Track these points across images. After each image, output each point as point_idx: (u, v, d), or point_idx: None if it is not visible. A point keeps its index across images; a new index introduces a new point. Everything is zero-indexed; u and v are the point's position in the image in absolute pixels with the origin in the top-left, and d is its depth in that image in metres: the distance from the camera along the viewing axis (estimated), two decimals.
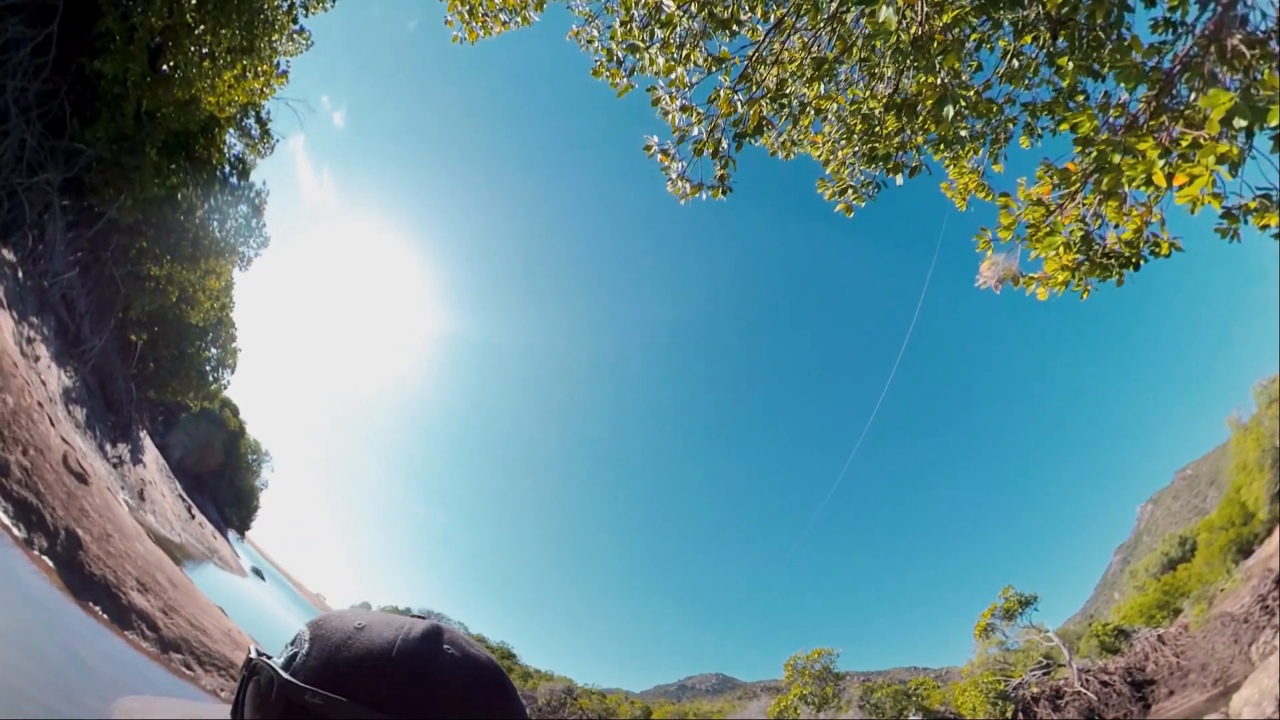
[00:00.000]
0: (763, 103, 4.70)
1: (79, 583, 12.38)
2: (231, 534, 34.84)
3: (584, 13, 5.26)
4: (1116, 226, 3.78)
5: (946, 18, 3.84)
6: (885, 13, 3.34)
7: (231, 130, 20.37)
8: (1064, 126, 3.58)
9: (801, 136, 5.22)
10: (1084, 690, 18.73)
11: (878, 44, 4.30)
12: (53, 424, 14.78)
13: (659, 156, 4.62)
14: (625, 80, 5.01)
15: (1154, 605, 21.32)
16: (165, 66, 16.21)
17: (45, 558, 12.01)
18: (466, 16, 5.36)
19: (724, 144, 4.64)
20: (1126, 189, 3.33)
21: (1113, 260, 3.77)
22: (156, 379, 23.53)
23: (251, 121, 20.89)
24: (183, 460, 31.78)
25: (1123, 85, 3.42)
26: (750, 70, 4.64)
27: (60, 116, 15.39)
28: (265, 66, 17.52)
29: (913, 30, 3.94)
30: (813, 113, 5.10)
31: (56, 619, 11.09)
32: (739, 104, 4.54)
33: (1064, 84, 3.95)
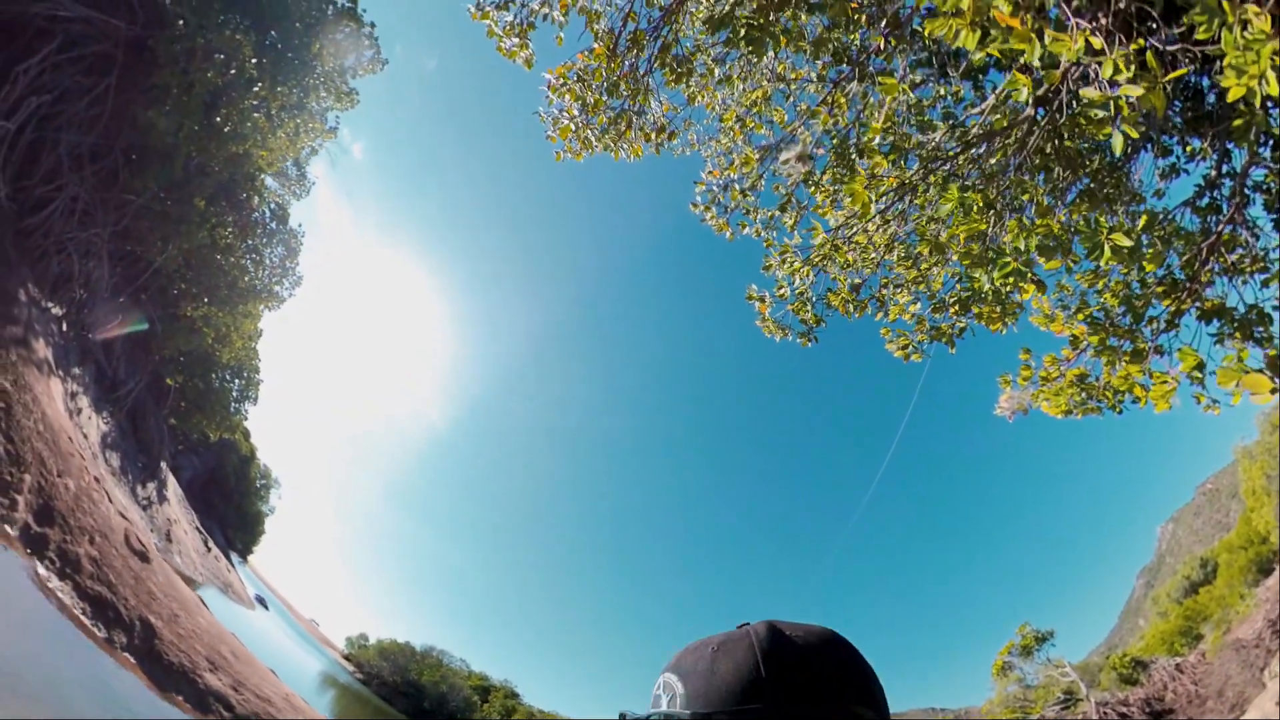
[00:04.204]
0: (862, 292, 4.98)
1: (160, 673, 11.87)
2: (234, 556, 33.58)
3: (712, 173, 5.30)
4: (1108, 383, 4.24)
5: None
6: (983, 279, 3.90)
7: (270, 175, 19.42)
8: (1068, 329, 4.11)
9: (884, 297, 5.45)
10: None
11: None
12: (110, 499, 13.97)
13: (757, 305, 4.93)
14: (730, 232, 5.23)
15: (1176, 632, 20.88)
16: (218, 118, 15.25)
17: (127, 654, 11.43)
18: (574, 139, 5.27)
19: (813, 299, 4.95)
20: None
21: (1102, 403, 4.31)
22: (183, 412, 22.44)
23: (290, 164, 19.95)
24: (192, 481, 30.48)
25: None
26: (845, 242, 4.87)
27: (113, 168, 14.34)
28: (315, 124, 16.71)
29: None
30: (893, 288, 5.32)
31: None
32: (849, 301, 4.85)
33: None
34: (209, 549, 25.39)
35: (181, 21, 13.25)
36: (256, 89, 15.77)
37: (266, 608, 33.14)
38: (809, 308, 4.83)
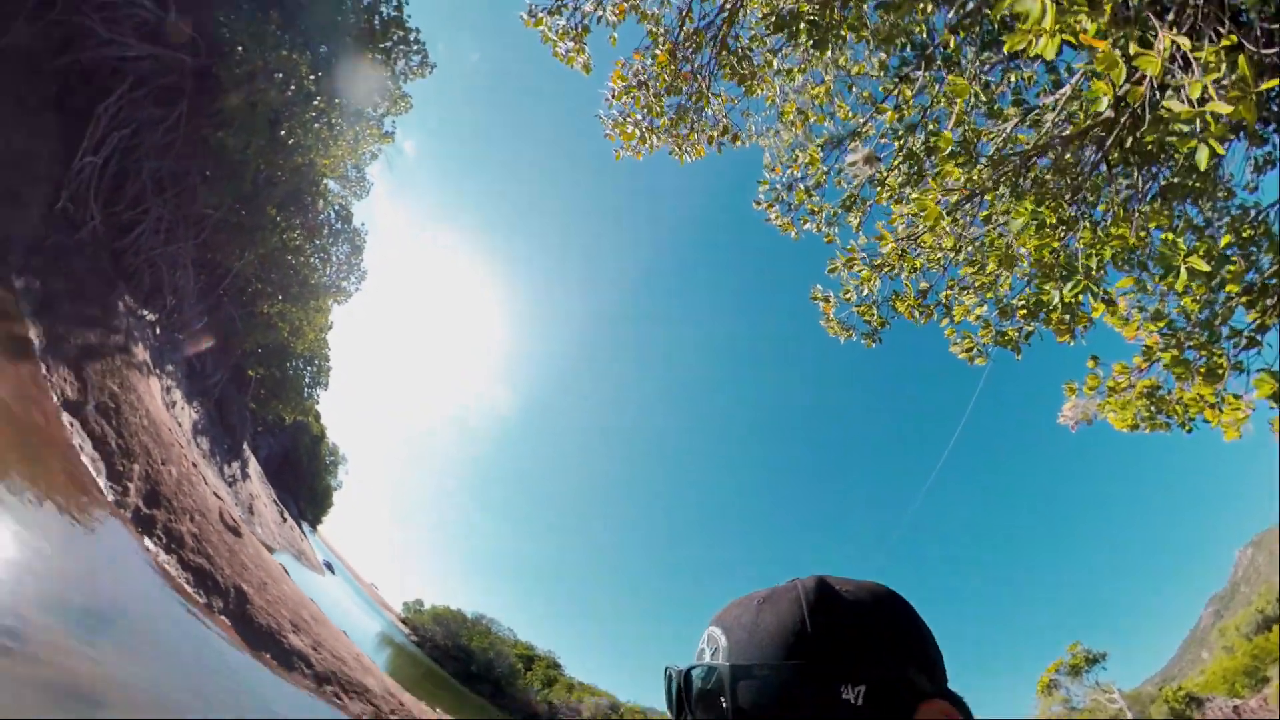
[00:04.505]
0: (932, 306, 4.68)
1: (251, 634, 13.44)
2: (306, 526, 36.47)
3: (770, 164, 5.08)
4: (1180, 399, 3.90)
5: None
6: (1053, 293, 3.74)
7: (332, 179, 20.73)
8: (1136, 333, 3.87)
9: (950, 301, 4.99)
10: None
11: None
12: (205, 481, 15.76)
13: (822, 305, 4.75)
14: (795, 232, 5.03)
15: (1240, 671, 19.21)
16: (282, 133, 16.48)
17: (224, 618, 13.04)
18: (635, 141, 5.07)
19: (879, 302, 4.68)
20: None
21: (1172, 419, 4.01)
22: (262, 399, 24.68)
23: (350, 168, 21.20)
24: (269, 460, 33.33)
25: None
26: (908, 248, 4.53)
27: (190, 187, 15.86)
28: (372, 130, 17.77)
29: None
30: (959, 289, 4.92)
31: (248, 679, 12.08)
32: (914, 307, 4.55)
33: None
34: (284, 520, 27.96)
35: (240, 48, 14.35)
36: (315, 102, 16.88)
37: (334, 573, 35.99)
38: (874, 310, 4.65)
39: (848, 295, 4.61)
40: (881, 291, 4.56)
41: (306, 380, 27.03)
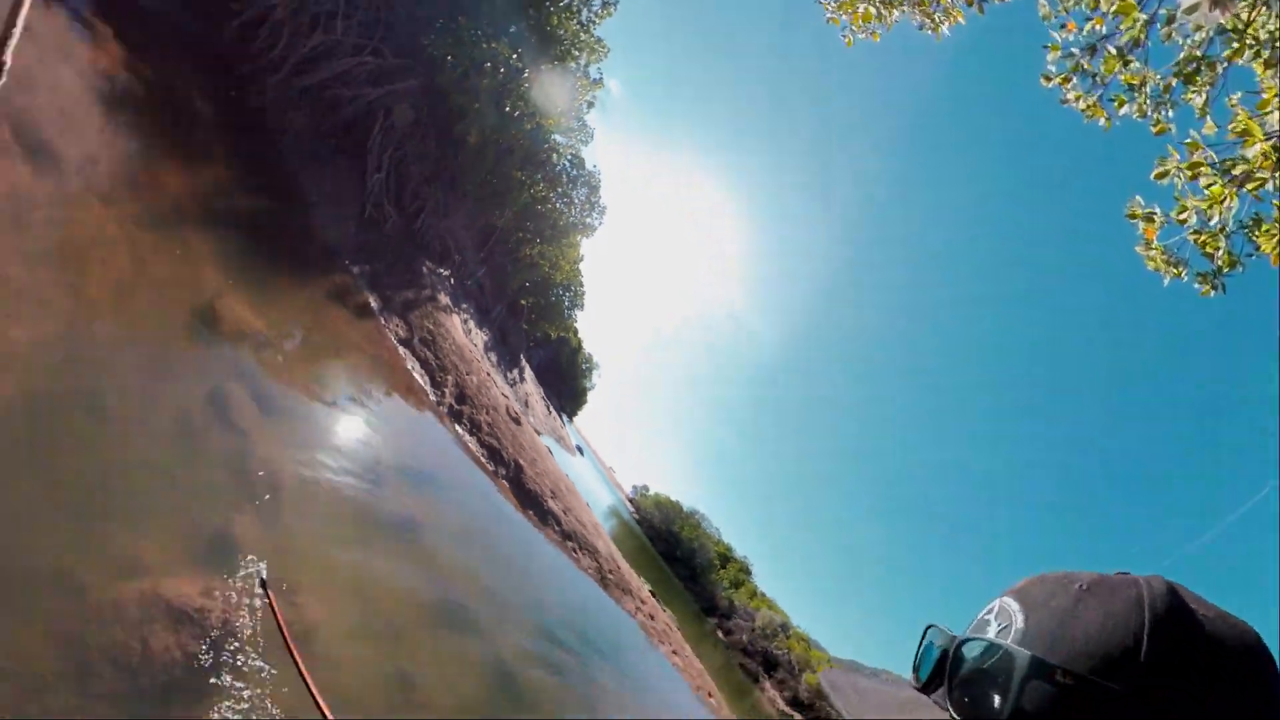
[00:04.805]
0: None
1: (522, 496, 18.65)
2: (565, 418, 45.39)
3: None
4: None
5: None
6: None
7: (559, 134, 24.16)
8: None
9: None
10: None
11: None
12: (495, 385, 21.70)
13: (1142, 226, 3.27)
14: (1106, 118, 3.52)
15: None
16: (507, 108, 19.99)
17: (505, 482, 18.37)
18: (871, 21, 4.20)
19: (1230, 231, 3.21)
20: None
21: None
22: (533, 321, 31.66)
23: (571, 118, 24.33)
24: (539, 367, 42.21)
25: None
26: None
27: (451, 173, 20.78)
28: (582, 81, 20.23)
29: None
30: None
31: (517, 527, 17.00)
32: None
33: None
34: (550, 413, 35.90)
35: (449, 57, 17.79)
36: (525, 75, 19.84)
37: (583, 455, 44.67)
38: (1223, 241, 3.19)
39: (1183, 216, 3.14)
40: (1237, 214, 3.02)
41: (566, 304, 33.29)
